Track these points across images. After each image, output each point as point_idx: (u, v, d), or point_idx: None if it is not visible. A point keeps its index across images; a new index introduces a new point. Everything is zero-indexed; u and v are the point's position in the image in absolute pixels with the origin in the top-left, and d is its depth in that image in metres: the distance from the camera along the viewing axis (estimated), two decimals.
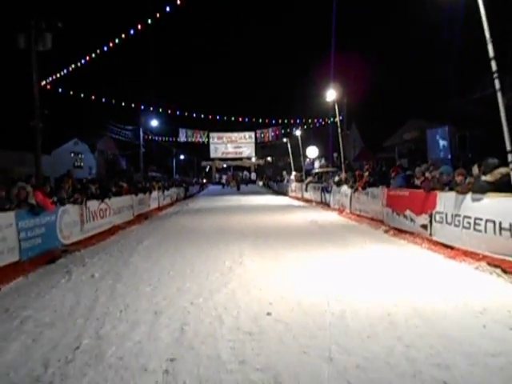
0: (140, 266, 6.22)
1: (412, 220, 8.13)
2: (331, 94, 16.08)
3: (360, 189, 11.80)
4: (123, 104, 29.06)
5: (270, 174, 55.43)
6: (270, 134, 51.86)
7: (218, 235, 9.14)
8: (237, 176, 51.41)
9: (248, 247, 7.50)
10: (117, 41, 14.57)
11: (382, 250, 6.95)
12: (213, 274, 5.54)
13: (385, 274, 5.34)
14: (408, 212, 8.33)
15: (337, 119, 16.86)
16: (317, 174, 25.47)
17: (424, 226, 7.60)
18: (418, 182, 8.89)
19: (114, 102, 27.09)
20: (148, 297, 4.64)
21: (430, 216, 7.37)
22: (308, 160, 32.13)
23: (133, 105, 30.08)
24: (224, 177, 46.76)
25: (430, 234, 7.36)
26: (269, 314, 3.98)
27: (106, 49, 14.79)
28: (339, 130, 16.64)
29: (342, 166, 16.02)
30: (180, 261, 6.47)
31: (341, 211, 13.44)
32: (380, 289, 4.67)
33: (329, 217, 12.70)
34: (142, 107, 30.94)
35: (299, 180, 25.46)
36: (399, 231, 8.61)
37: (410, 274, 5.28)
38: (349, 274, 5.33)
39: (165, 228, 10.92)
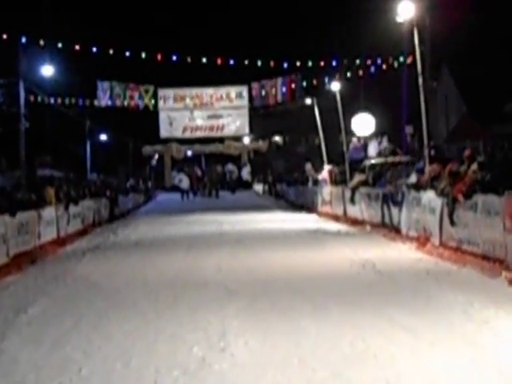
0: (23, 357, 6.21)
1: None
2: (405, 9, 16.16)
3: (460, 198, 11.83)
4: None
5: (279, 168, 55.50)
6: (278, 88, 51.92)
7: (177, 292, 9.18)
8: (213, 172, 51.12)
9: (237, 317, 7.52)
10: None
11: (504, 321, 6.97)
12: (168, 374, 5.53)
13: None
14: None
15: (415, 57, 16.96)
16: (373, 167, 25.51)
17: None
18: None
19: None
20: None
21: None
22: (356, 141, 32.20)
23: (4, 35, 30.24)
24: (183, 178, 44.53)
25: None
26: None
27: None
28: (419, 80, 16.73)
29: (425, 151, 16.08)
30: (102, 345, 6.49)
31: (422, 243, 13.45)
32: None
33: (398, 254, 12.69)
34: (23, 39, 31.11)
35: (338, 181, 25.47)
36: None
37: None
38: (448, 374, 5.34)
39: (71, 280, 10.86)
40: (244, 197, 42.84)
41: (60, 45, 34.22)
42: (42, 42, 32.95)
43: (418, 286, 9.12)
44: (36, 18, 46.48)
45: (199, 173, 49.03)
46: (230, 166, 54.81)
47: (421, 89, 16.70)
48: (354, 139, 30.99)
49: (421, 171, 16.36)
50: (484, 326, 6.75)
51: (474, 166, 12.51)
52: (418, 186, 15.27)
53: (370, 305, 7.95)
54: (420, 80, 16.75)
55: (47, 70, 34.13)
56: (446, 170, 13.62)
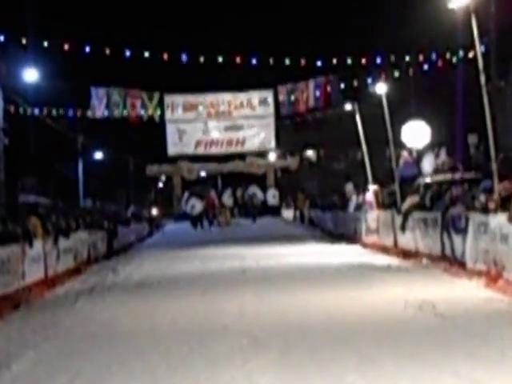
0: None
1: None
2: None
3: None
4: None
5: (312, 190, 55.47)
6: (310, 93, 52.03)
7: (192, 343, 9.21)
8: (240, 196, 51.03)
9: (267, 372, 7.51)
10: None
11: None
12: None
13: None
14: None
15: (475, 52, 16.94)
16: (429, 187, 25.39)
17: None
18: None
19: None
20: None
21: None
22: (407, 155, 32.11)
23: None
24: (196, 203, 44.64)
25: None
26: None
27: None
28: (481, 79, 16.68)
29: (492, 165, 15.98)
30: None
31: (492, 278, 13.35)
32: None
33: (463, 294, 12.62)
34: (2, 38, 31.53)
35: (386, 204, 25.37)
36: None
37: None
38: None
39: (63, 330, 10.91)
40: (270, 225, 42.87)
41: (46, 44, 34.49)
42: (24, 41, 33.25)
43: (490, 333, 9.01)
44: (18, 14, 47.04)
45: (215, 197, 48.53)
46: (252, 188, 54.35)
47: (483, 90, 16.54)
48: (405, 153, 30.85)
49: (488, 190, 16.24)
50: None
51: None
52: (484, 210, 15.14)
53: (431, 356, 7.86)
54: (482, 79, 16.62)
55: (30, 75, 34.27)
56: None
